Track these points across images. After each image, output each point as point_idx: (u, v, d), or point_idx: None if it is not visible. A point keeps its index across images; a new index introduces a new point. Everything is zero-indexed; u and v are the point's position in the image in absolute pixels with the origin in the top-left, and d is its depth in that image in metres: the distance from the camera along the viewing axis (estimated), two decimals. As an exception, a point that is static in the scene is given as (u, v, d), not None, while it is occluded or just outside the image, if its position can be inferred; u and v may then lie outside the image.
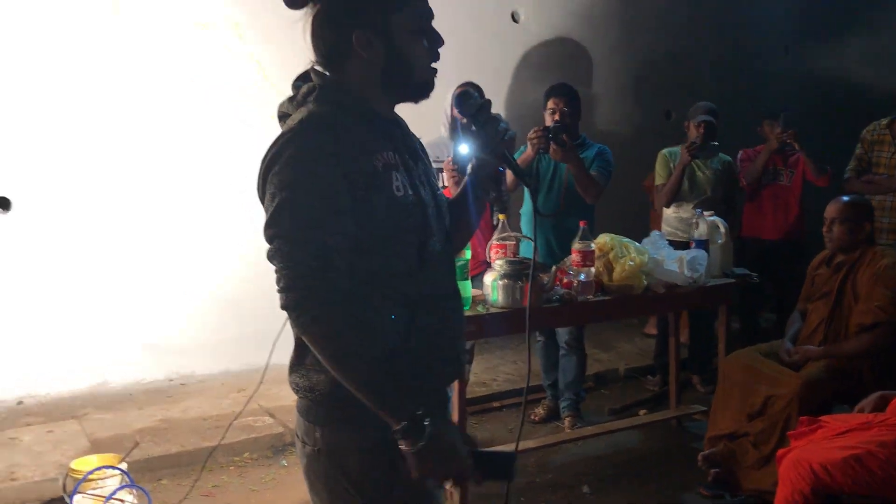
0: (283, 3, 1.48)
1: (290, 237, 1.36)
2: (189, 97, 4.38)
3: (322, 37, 1.48)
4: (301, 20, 1.49)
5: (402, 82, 1.52)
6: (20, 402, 4.11)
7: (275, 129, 1.46)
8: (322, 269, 1.35)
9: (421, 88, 1.54)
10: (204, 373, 4.59)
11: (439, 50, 1.53)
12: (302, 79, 1.54)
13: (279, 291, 1.37)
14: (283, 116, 1.52)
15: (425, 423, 1.36)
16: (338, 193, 1.37)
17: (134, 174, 4.30)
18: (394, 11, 1.45)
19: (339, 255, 1.37)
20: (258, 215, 1.41)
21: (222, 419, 3.93)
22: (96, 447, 3.53)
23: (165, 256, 4.42)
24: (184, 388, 4.46)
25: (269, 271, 1.40)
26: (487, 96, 4.30)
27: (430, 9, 1.52)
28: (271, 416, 4.06)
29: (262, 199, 1.42)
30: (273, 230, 1.37)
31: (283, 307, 1.38)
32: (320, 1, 1.48)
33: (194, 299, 4.52)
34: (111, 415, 4.04)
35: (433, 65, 1.53)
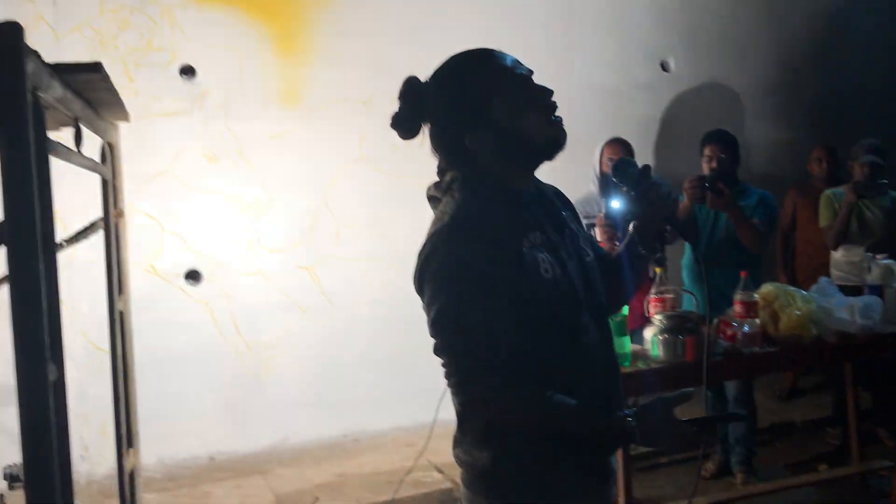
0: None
1: (453, 338, 1.44)
2: (390, 170, 4.68)
3: (440, 150, 1.60)
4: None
5: (527, 154, 1.57)
6: (212, 459, 4.48)
7: (422, 187, 1.62)
8: (489, 363, 1.40)
9: (550, 148, 1.57)
10: (376, 429, 4.81)
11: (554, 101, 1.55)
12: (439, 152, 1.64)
13: (450, 387, 1.46)
14: (431, 199, 1.65)
15: (631, 424, 1.43)
16: (494, 287, 1.42)
17: (310, 235, 4.64)
18: (487, 104, 1.51)
19: (503, 346, 1.41)
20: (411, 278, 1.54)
21: (394, 474, 4.11)
22: (280, 501, 3.80)
23: (342, 318, 4.70)
24: (357, 443, 4.69)
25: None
26: (637, 147, 4.35)
27: (523, 72, 1.55)
28: (440, 471, 4.19)
29: (418, 291, 1.51)
30: (436, 329, 1.46)
31: (460, 404, 1.47)
32: (426, 122, 1.60)
33: (365, 358, 4.76)
34: (292, 470, 4.32)
35: (554, 115, 1.56)
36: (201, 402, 4.45)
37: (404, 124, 1.61)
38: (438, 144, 1.60)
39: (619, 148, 3.83)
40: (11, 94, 1.10)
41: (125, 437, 2.46)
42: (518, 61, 1.57)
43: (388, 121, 1.65)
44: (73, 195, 3.95)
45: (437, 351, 1.47)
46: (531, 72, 1.56)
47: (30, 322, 1.11)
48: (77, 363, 4.20)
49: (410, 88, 1.61)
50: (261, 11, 4.45)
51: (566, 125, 1.58)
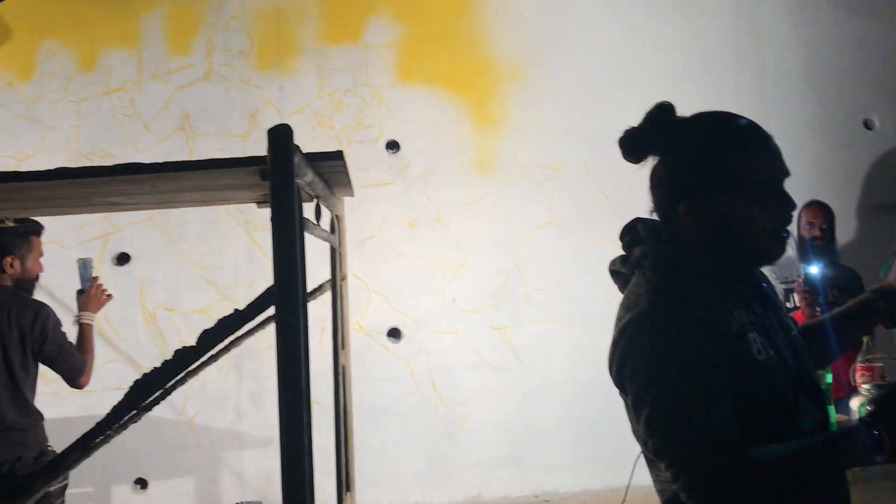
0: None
1: (672, 437, 1.30)
2: (579, 233, 4.83)
3: (654, 193, 1.50)
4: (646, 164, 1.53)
5: (734, 252, 1.43)
6: (411, 510, 4.69)
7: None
8: (715, 457, 1.26)
9: (760, 258, 1.44)
10: (567, 490, 4.83)
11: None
12: (629, 232, 1.56)
13: (682, 490, 1.30)
14: (615, 273, 1.57)
15: (874, 432, 1.24)
16: (708, 377, 1.29)
17: (502, 296, 4.82)
18: (728, 183, 1.37)
19: (729, 439, 1.27)
20: (607, 341, 1.53)
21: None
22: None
23: (534, 379, 4.81)
24: (548, 504, 4.75)
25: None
26: (836, 208, 4.21)
27: (781, 170, 1.41)
28: (632, 536, 4.14)
29: (618, 385, 1.42)
30: (651, 430, 1.32)
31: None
32: (657, 155, 1.48)
33: (558, 419, 4.83)
34: (486, 526, 4.43)
35: (785, 230, 1.42)
36: (401, 455, 4.69)
37: (635, 144, 1.48)
38: (653, 188, 1.50)
39: (819, 211, 3.73)
40: (284, 182, 1.34)
41: (345, 481, 2.68)
42: (781, 155, 1.42)
43: (621, 136, 1.52)
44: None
45: (658, 453, 1.33)
46: (788, 173, 1.42)
47: (294, 374, 1.32)
48: (291, 413, 4.58)
49: (661, 114, 1.48)
50: (458, 87, 4.77)
51: None
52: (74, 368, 2.91)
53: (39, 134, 4.36)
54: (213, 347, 1.41)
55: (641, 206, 5.29)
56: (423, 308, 4.75)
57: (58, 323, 2.95)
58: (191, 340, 4.50)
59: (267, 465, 4.55)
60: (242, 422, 4.53)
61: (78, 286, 3.19)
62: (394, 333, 4.74)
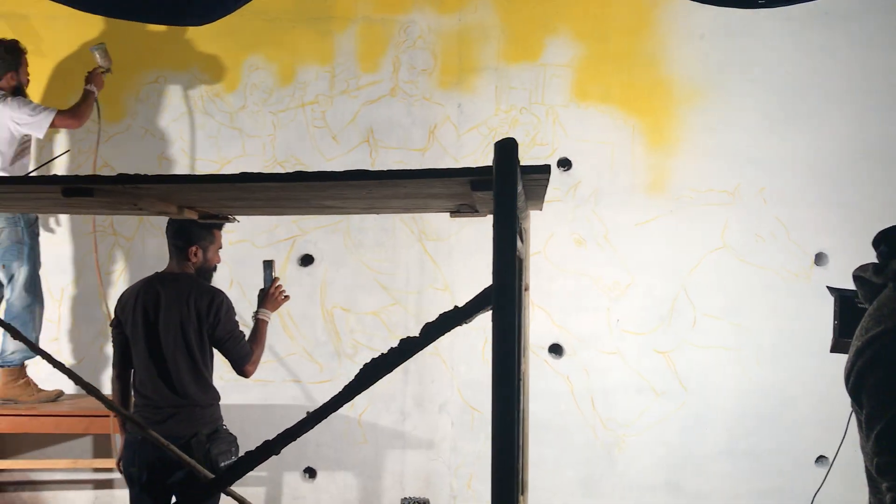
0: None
1: None
2: (753, 260, 4.74)
3: None
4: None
5: None
6: (562, 526, 4.71)
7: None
8: None
9: None
10: (724, 523, 4.71)
11: None
12: (885, 241, 1.56)
13: None
14: (861, 280, 1.55)
15: None
16: None
17: (668, 320, 4.77)
18: None
19: None
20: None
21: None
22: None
23: (697, 407, 4.73)
24: (704, 535, 4.63)
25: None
26: None
27: None
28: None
29: (851, 394, 1.42)
30: (881, 446, 1.33)
31: None
32: None
33: (720, 450, 4.71)
34: (640, 550, 4.38)
35: None
36: (557, 470, 4.73)
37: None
38: None
39: None
40: (508, 191, 1.44)
41: (519, 484, 2.76)
42: None
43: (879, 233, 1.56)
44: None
45: (882, 471, 1.34)
46: None
47: (508, 370, 1.42)
48: (452, 418, 4.73)
49: None
50: (634, 109, 4.78)
51: None
52: (242, 356, 3.12)
53: (241, 141, 4.75)
54: (434, 340, 1.53)
55: (822, 235, 5.17)
56: (586, 326, 4.78)
57: (231, 310, 3.19)
58: (363, 340, 4.75)
59: (428, 467, 4.71)
60: (406, 422, 4.72)
61: (261, 285, 3.44)
62: (555, 349, 4.78)
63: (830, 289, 2.79)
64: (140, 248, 4.73)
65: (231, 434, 3.13)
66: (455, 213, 2.54)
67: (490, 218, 3.87)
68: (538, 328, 4.77)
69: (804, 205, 4.73)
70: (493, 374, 1.46)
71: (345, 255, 4.79)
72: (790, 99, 4.76)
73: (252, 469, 1.59)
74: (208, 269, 3.27)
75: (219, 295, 3.15)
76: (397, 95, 4.77)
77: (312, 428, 1.58)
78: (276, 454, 1.56)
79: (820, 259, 4.73)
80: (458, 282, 4.77)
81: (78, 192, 1.86)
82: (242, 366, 3.11)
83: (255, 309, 3.32)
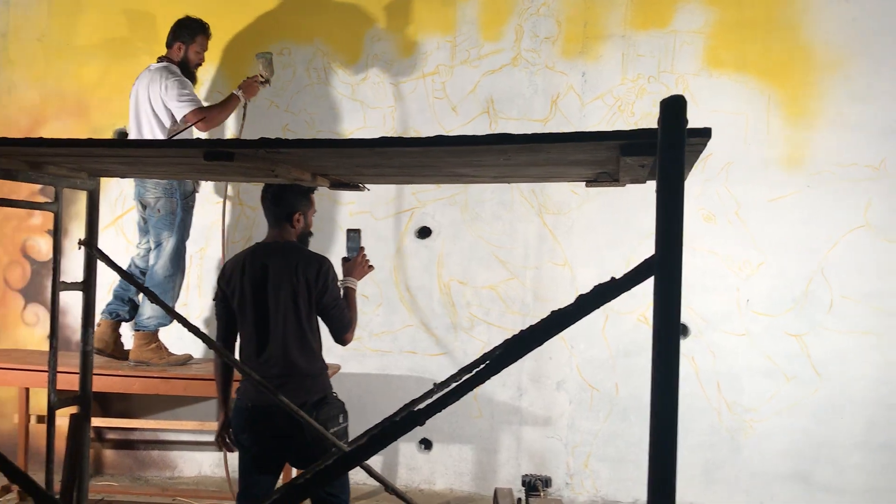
0: None
1: None
2: (863, 232, 4.45)
3: None
4: None
5: None
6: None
7: None
8: None
9: None
10: (858, 518, 4.45)
11: None
12: None
13: None
14: None
15: None
16: None
17: (802, 302, 4.51)
18: None
19: None
20: None
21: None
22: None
23: (831, 394, 4.47)
24: (837, 529, 4.38)
25: None
26: None
27: None
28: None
29: None
30: None
31: None
32: None
33: (857, 440, 4.44)
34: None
35: None
36: (678, 454, 4.56)
37: None
38: None
39: None
40: (675, 155, 1.34)
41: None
42: None
43: None
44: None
45: None
46: None
47: (670, 345, 1.32)
48: (570, 396, 4.63)
49: None
50: (770, 77, 4.51)
51: None
52: (344, 323, 3.08)
53: (361, 113, 4.75)
54: (588, 313, 1.45)
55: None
56: (714, 306, 4.57)
57: (336, 277, 3.14)
58: (479, 314, 4.71)
59: (544, 444, 4.64)
60: (522, 398, 4.65)
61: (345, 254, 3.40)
62: (681, 330, 4.60)
63: None
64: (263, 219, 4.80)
65: (339, 400, 3.09)
66: (592, 182, 2.43)
67: (615, 191, 3.74)
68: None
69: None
70: (653, 352, 1.36)
71: (462, 227, 4.74)
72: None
73: (396, 439, 1.56)
74: (307, 235, 3.20)
75: (325, 262, 3.09)
76: (519, 64, 4.66)
77: (457, 400, 1.53)
78: (421, 425, 1.51)
79: (975, 240, 4.36)
80: (579, 257, 4.65)
81: (219, 156, 1.86)
82: (343, 334, 3.09)
83: (340, 278, 3.30)
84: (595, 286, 1.45)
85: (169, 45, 4.30)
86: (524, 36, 4.65)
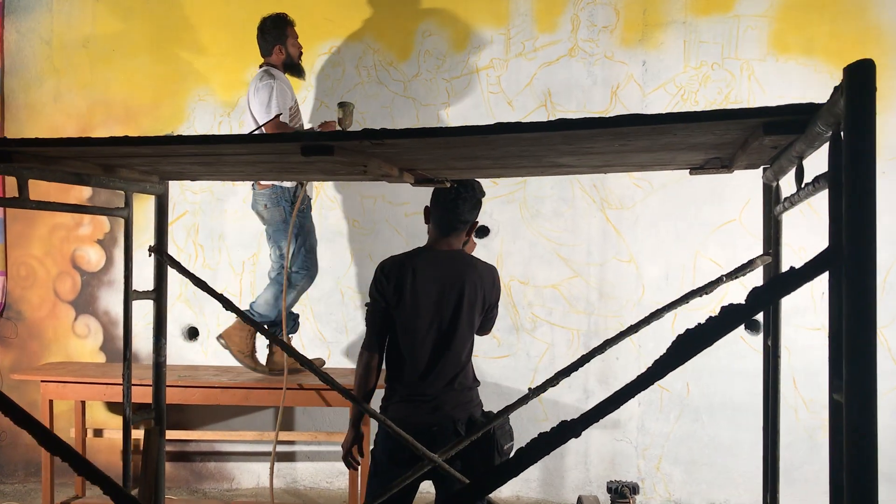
0: None
1: None
2: None
3: None
4: None
5: None
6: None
7: None
8: None
9: None
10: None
11: None
12: None
13: None
14: None
15: None
16: None
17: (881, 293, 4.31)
18: None
19: None
20: None
21: None
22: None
23: None
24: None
25: None
26: None
27: None
28: None
29: None
30: None
31: None
32: None
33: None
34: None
35: None
36: (753, 454, 4.37)
37: None
38: None
39: None
40: (864, 129, 1.18)
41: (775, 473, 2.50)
42: None
43: None
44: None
45: None
46: None
47: (866, 348, 1.17)
48: (640, 397, 4.46)
49: None
50: (840, 61, 4.30)
51: None
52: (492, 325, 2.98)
53: (414, 110, 4.62)
54: (763, 308, 1.30)
55: None
56: (787, 300, 4.36)
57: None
58: (542, 314, 4.56)
59: (614, 447, 4.47)
60: (589, 400, 4.49)
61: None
62: (752, 325, 4.42)
63: None
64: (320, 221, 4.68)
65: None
66: (697, 169, 2.28)
67: (678, 183, 3.57)
68: (732, 302, 4.41)
69: None
70: (846, 354, 1.20)
71: (521, 225, 4.58)
72: None
73: (550, 452, 1.42)
74: (471, 247, 3.01)
75: (496, 272, 2.92)
76: (576, 55, 4.50)
77: (616, 409, 1.38)
78: (577, 436, 1.37)
79: None
80: (644, 252, 4.48)
81: (319, 150, 1.73)
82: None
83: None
84: (771, 278, 1.30)
85: (267, 52, 4.16)
86: (581, 26, 4.49)
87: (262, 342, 4.32)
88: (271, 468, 4.20)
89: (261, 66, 4.15)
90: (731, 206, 4.41)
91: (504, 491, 4.56)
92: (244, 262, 4.72)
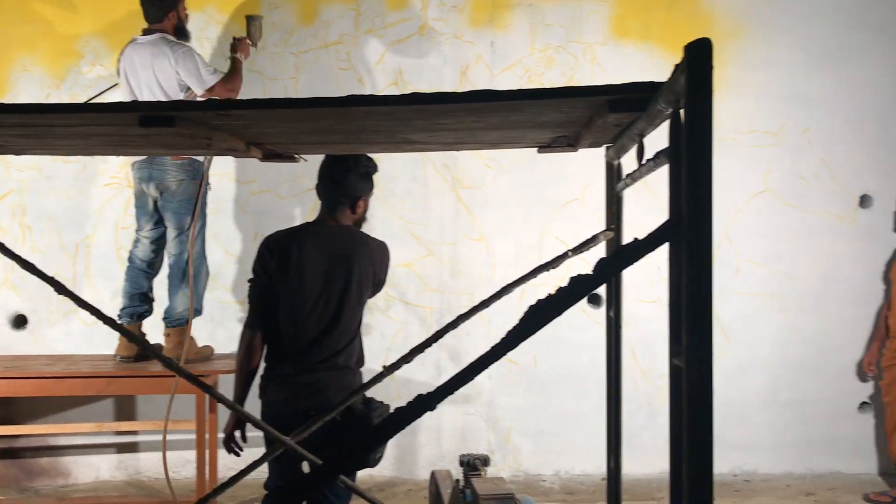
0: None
1: None
2: (798, 203, 4.61)
3: None
4: None
5: None
6: (603, 479, 4.58)
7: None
8: None
9: None
10: (767, 472, 4.62)
11: None
12: None
13: None
14: None
15: None
16: None
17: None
18: None
19: None
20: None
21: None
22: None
23: (738, 355, 4.60)
24: (748, 484, 4.53)
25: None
26: None
27: None
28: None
29: None
30: None
31: None
32: None
33: (762, 398, 4.61)
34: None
35: None
36: (596, 422, 4.58)
37: None
38: None
39: None
40: (702, 106, 1.24)
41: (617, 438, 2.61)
42: None
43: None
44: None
45: None
46: None
47: (703, 313, 1.24)
48: (490, 372, 4.55)
49: None
50: (675, 47, 4.55)
51: None
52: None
53: (261, 85, 4.46)
54: (608, 279, 1.34)
55: (867, 176, 4.99)
56: (626, 275, 4.59)
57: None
58: (395, 294, 4.54)
59: (465, 421, 4.56)
60: (441, 377, 4.54)
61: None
62: (594, 299, 4.62)
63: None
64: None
65: (383, 403, 2.74)
66: (545, 147, 2.33)
67: (525, 164, 3.67)
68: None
69: (849, 145, 4.57)
70: (685, 319, 1.26)
71: (374, 204, 4.53)
72: (837, 35, 4.56)
73: (407, 425, 1.41)
74: (362, 221, 2.91)
75: (387, 249, 2.87)
76: (427, 34, 4.51)
77: (471, 381, 1.40)
78: (432, 409, 1.37)
79: (865, 201, 4.59)
80: (495, 231, 4.57)
81: (158, 121, 1.62)
82: None
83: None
84: (616, 249, 1.34)
85: (159, 18, 3.86)
86: (430, 4, 4.50)
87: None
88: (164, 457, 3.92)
89: (148, 33, 3.85)
90: (574, 185, 4.57)
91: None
92: (77, 244, 4.43)
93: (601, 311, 4.60)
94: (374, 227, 4.51)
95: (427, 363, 4.54)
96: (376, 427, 1.30)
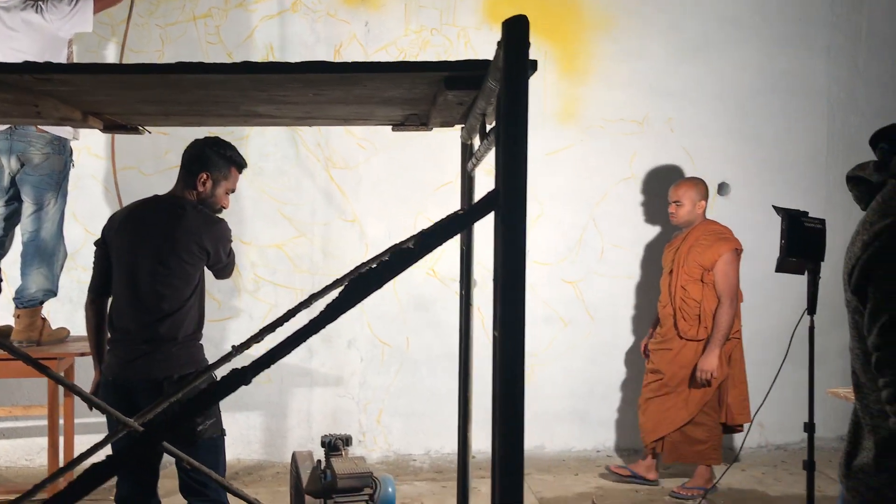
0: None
1: None
2: (656, 191, 4.78)
3: None
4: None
5: None
6: (473, 457, 4.66)
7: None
8: None
9: None
10: (628, 447, 4.81)
11: None
12: (883, 137, 1.49)
13: (889, 403, 1.33)
14: (857, 180, 1.51)
15: None
16: None
17: (577, 251, 4.75)
18: None
19: None
20: None
21: (653, 493, 4.12)
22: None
23: (603, 335, 4.76)
24: (610, 459, 4.71)
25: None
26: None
27: None
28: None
29: (855, 286, 1.38)
30: (883, 338, 1.32)
31: None
32: None
33: (623, 376, 4.79)
34: (551, 476, 4.41)
35: None
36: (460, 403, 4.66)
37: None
38: None
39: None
40: (519, 82, 1.27)
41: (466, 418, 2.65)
42: None
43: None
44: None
45: (880, 366, 1.34)
46: None
47: (516, 279, 1.27)
48: (362, 353, 4.56)
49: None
50: (547, 33, 4.65)
51: None
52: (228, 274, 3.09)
53: (124, 58, 4.28)
54: (431, 250, 1.35)
55: (726, 165, 5.24)
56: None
57: (230, 240, 2.92)
58: (265, 275, 4.48)
59: (336, 403, 4.54)
60: (313, 359, 4.51)
61: None
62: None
63: (777, 209, 2.80)
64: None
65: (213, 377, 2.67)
66: (399, 125, 2.33)
67: (399, 146, 3.67)
68: (449, 260, 4.63)
69: (710, 135, 4.78)
70: (501, 289, 1.29)
71: (243, 183, 4.43)
72: (700, 29, 4.76)
73: (221, 399, 1.39)
74: (213, 207, 2.83)
75: (224, 225, 2.82)
76: (299, 10, 4.43)
77: (290, 353, 1.39)
78: (247, 384, 1.36)
79: (722, 188, 4.82)
80: (368, 213, 4.55)
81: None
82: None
83: None
84: (438, 221, 1.36)
85: None
86: (304, -21, 4.42)
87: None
88: None
89: None
90: (449, 168, 4.59)
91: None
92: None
93: (476, 292, 4.67)
94: (244, 206, 4.44)
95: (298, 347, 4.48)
96: (191, 399, 1.27)
